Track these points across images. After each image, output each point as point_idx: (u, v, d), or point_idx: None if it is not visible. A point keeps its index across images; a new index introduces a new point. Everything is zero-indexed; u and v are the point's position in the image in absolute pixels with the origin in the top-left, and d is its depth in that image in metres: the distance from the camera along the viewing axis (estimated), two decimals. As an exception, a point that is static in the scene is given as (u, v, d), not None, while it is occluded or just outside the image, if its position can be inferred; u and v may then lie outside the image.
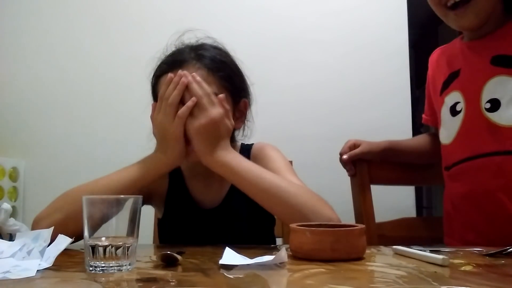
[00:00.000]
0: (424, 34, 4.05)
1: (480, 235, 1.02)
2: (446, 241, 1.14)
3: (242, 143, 1.06)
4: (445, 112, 1.11)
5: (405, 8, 1.74)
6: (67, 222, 0.77)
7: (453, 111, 1.08)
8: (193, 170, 1.00)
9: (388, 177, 1.32)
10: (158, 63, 0.95)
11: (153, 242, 1.21)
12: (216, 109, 0.84)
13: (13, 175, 1.71)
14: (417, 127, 1.73)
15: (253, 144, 1.04)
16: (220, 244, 0.74)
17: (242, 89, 0.98)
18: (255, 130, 1.10)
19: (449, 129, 1.09)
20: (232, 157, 0.86)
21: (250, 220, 0.97)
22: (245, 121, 1.01)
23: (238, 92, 0.96)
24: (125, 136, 1.69)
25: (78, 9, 1.81)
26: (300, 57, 1.71)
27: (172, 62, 0.91)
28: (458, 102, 1.07)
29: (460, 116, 1.05)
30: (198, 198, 0.99)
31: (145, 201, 1.01)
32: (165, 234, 1.02)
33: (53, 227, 0.69)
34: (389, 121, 1.67)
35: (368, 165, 1.27)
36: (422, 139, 1.33)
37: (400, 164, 1.33)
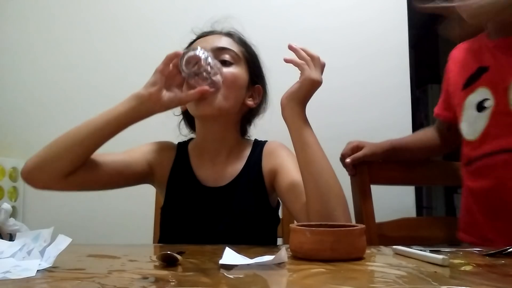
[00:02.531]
0: (424, 34, 4.04)
1: (499, 230, 1.02)
2: (461, 237, 1.14)
3: (255, 139, 1.08)
4: (469, 108, 1.10)
5: (405, 8, 1.73)
6: (51, 159, 0.87)
7: (480, 107, 1.07)
8: (201, 147, 1.02)
9: (388, 177, 1.32)
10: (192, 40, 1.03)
11: (153, 242, 1.21)
12: (321, 75, 0.89)
13: (13, 175, 1.71)
14: (417, 127, 1.73)
15: (266, 141, 1.06)
16: (220, 244, 0.75)
17: (259, 75, 1.04)
18: (256, 131, 1.10)
19: (474, 125, 1.09)
20: (307, 126, 0.89)
21: (254, 209, 0.98)
22: (259, 105, 1.05)
23: (255, 73, 1.02)
24: (126, 136, 1.69)
25: (80, 8, 1.81)
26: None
27: (204, 33, 1.02)
28: (487, 99, 1.06)
29: (488, 112, 1.05)
30: (202, 176, 1.00)
31: (149, 179, 1.03)
32: (168, 218, 1.02)
33: (53, 227, 0.70)
34: (389, 121, 1.67)
35: (368, 165, 1.27)
36: (423, 134, 1.33)
37: (400, 164, 1.33)
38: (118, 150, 1.00)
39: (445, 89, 1.24)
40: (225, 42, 0.98)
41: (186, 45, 1.02)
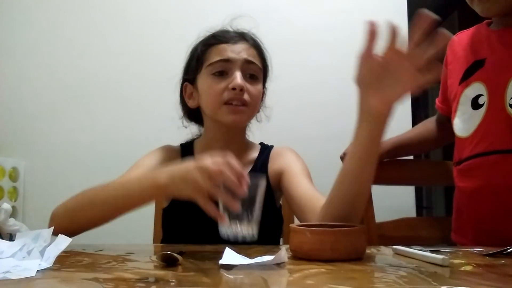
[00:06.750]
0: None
1: (489, 232, 1.00)
2: (453, 237, 1.13)
3: (261, 143, 1.11)
4: (464, 103, 1.07)
5: (405, 8, 1.73)
6: (82, 220, 0.88)
7: (475, 104, 1.04)
8: (209, 148, 1.02)
9: (388, 177, 1.31)
10: (207, 35, 1.04)
11: (153, 242, 1.21)
12: None
13: (13, 175, 1.71)
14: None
15: (273, 146, 1.10)
16: (220, 244, 0.75)
17: (266, 78, 1.08)
18: (257, 132, 1.11)
19: (468, 123, 1.05)
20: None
21: (261, 209, 0.99)
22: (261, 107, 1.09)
23: (265, 78, 1.07)
24: (125, 136, 1.69)
25: (79, 8, 1.81)
26: (300, 58, 1.71)
27: (223, 37, 1.02)
28: (481, 95, 1.03)
29: (482, 110, 1.02)
30: None
31: None
32: (172, 218, 1.02)
33: (53, 227, 0.70)
34: (389, 121, 1.66)
35: (368, 165, 1.26)
36: (424, 127, 1.32)
37: (400, 164, 1.32)
38: (121, 146, 0.99)
39: (443, 81, 1.21)
40: (253, 55, 1.01)
41: (201, 40, 1.04)
